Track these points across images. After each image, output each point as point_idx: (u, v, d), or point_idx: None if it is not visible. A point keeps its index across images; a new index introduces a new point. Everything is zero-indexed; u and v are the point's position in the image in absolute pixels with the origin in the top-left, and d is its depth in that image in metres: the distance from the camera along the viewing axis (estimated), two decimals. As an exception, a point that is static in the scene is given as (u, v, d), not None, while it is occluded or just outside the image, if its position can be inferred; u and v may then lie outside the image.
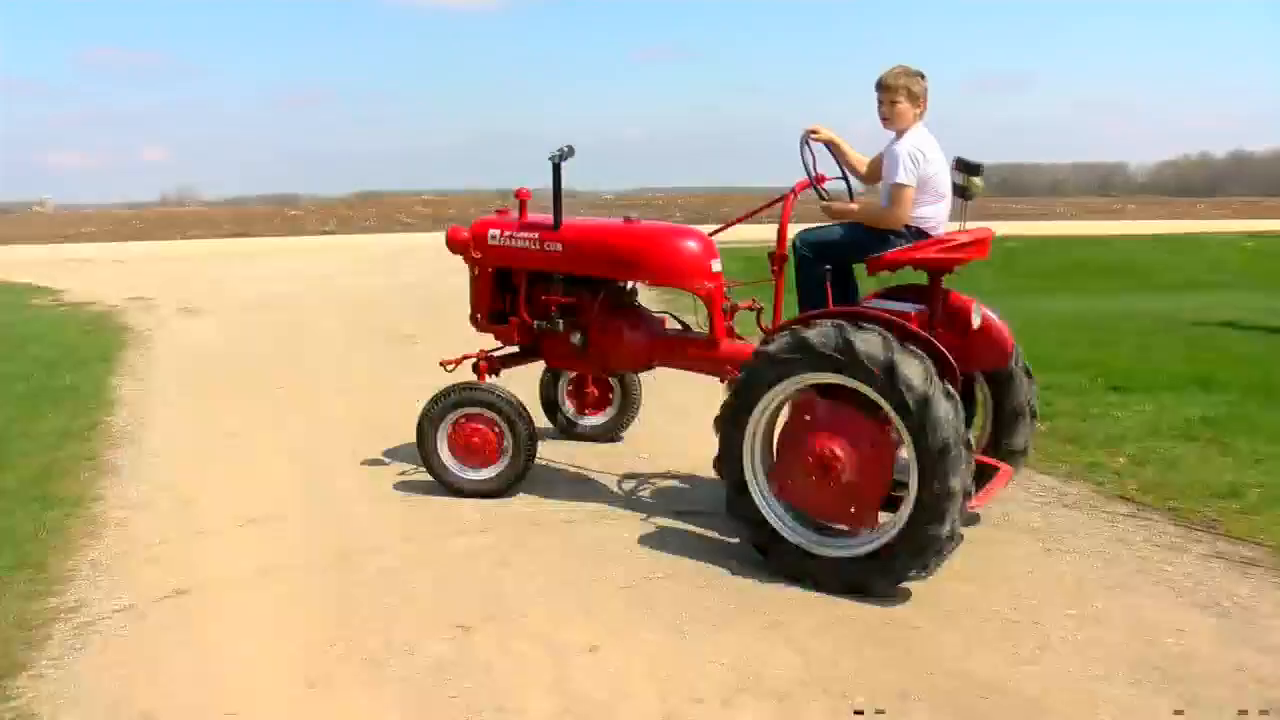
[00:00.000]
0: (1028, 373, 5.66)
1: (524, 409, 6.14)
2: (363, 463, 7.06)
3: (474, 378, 6.36)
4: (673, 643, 4.38)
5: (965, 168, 5.55)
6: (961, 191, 5.57)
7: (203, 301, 15.91)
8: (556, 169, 5.93)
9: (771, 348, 4.90)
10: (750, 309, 6.24)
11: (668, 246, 6.00)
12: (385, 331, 13.02)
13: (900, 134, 5.43)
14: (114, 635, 4.48)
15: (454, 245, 6.48)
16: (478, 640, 4.40)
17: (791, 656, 4.24)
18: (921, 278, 5.42)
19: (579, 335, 6.23)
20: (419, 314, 14.36)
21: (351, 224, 39.66)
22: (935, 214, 5.46)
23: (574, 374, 7.39)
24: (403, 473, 6.79)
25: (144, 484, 6.59)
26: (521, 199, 6.46)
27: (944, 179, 5.46)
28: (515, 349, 6.67)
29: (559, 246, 6.13)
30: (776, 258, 5.62)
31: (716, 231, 6.29)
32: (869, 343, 4.61)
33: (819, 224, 5.74)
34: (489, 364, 6.51)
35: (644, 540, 5.53)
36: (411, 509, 6.07)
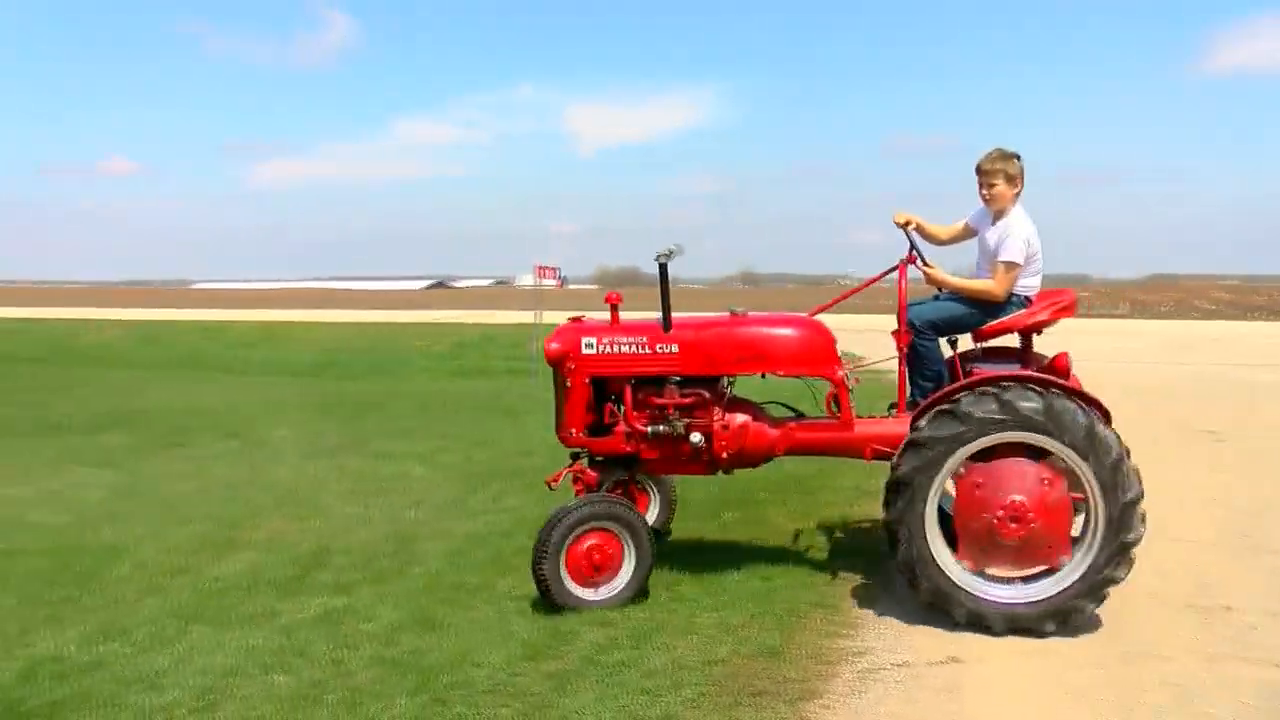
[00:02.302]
0: None
1: (637, 509, 5.93)
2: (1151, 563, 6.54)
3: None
4: None
5: None
6: None
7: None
8: (663, 269, 5.77)
9: (970, 409, 5.21)
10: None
11: (801, 337, 6.01)
12: (1178, 423, 12.07)
13: (1001, 213, 5.97)
14: (891, 686, 4.70)
15: (551, 357, 6.02)
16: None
17: None
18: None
19: (700, 435, 5.89)
20: (1217, 407, 13.09)
21: (1145, 308, 37.66)
22: (1038, 284, 6.02)
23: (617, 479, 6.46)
24: (1204, 581, 6.18)
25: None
26: (613, 303, 6.04)
27: (1041, 253, 5.94)
28: (605, 459, 6.18)
29: (674, 348, 5.94)
30: (901, 335, 5.92)
31: (816, 311, 6.40)
32: (1071, 410, 5.16)
33: (920, 300, 6.13)
34: (588, 478, 6.05)
35: (1238, 685, 4.60)
36: (1207, 619, 5.48)
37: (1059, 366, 5.78)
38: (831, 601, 5.76)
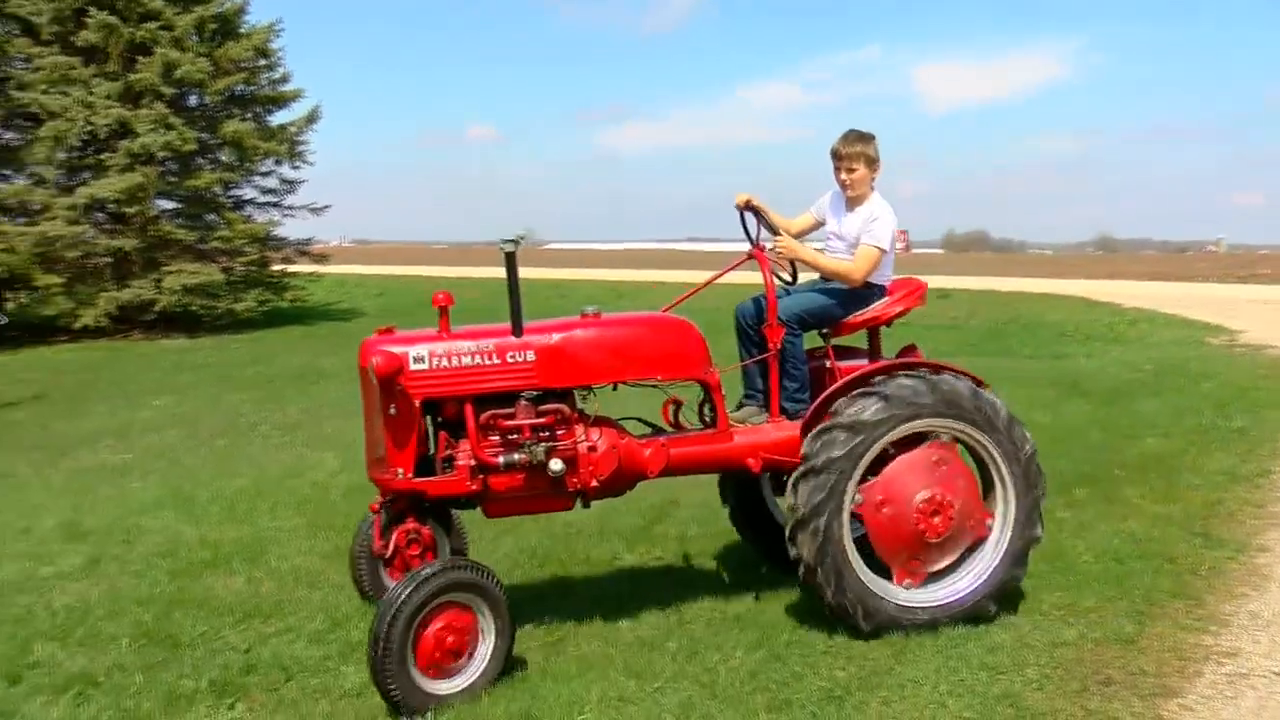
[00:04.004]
0: None
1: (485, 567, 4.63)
2: None
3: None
4: None
5: None
6: None
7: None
8: (511, 259, 4.76)
9: (860, 414, 4.88)
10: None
11: (673, 336, 5.18)
12: None
13: (860, 198, 5.55)
14: (1269, 695, 4.29)
15: (382, 374, 4.58)
16: None
17: None
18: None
19: (562, 462, 4.76)
20: None
21: None
22: (891, 273, 5.62)
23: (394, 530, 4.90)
24: None
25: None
26: (442, 306, 4.89)
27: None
28: (428, 504, 4.93)
29: (530, 356, 4.84)
30: (773, 330, 5.28)
31: (669, 308, 5.64)
32: (954, 386, 5.03)
33: (783, 292, 5.54)
34: (427, 536, 4.89)
35: None
36: None
37: (908, 350, 5.56)
38: (1194, 593, 5.33)
